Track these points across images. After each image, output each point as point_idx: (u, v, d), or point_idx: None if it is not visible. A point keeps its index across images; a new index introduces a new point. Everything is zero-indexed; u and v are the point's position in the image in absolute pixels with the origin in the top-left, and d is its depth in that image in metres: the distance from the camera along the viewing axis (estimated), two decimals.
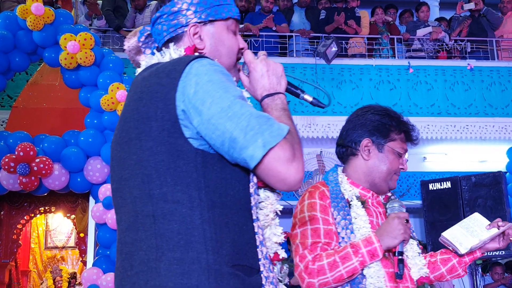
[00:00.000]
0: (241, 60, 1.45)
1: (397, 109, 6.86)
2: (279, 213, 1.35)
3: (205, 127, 1.18)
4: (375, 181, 1.96)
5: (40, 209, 6.50)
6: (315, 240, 1.80)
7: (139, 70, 1.41)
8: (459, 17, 7.79)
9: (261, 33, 6.96)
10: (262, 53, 1.43)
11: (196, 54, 1.31)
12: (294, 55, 7.05)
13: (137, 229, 1.21)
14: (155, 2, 7.14)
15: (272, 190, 1.33)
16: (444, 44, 7.39)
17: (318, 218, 1.83)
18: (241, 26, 6.88)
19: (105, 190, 4.79)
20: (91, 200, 5.26)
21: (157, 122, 1.21)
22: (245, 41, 6.64)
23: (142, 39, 1.45)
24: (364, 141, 1.95)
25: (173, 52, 1.35)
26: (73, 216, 6.62)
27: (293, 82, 1.47)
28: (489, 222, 2.03)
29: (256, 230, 1.26)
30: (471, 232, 2.03)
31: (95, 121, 5.03)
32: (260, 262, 1.24)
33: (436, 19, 7.97)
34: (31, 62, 5.28)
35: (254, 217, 1.27)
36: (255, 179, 1.27)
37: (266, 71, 1.37)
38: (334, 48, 6.54)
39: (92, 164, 4.92)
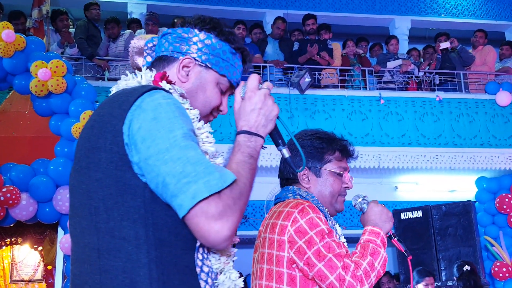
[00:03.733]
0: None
1: (369, 139, 7.03)
2: (233, 257, 1.28)
3: (142, 166, 1.14)
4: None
5: (6, 240, 6.31)
6: (344, 249, 1.74)
7: (113, 90, 1.38)
8: (428, 51, 8.04)
9: None
10: (266, 85, 1.35)
11: (151, 85, 1.26)
12: None
13: (83, 261, 1.17)
14: (129, 31, 7.15)
15: None
16: (413, 76, 7.58)
17: (332, 231, 1.77)
18: None
19: None
20: (60, 231, 5.13)
21: (106, 153, 1.17)
22: None
23: (150, 45, 1.45)
24: None
25: (144, 76, 1.32)
26: (40, 247, 6.44)
27: (281, 130, 1.40)
28: None
29: (204, 277, 1.20)
30: None
31: (66, 150, 4.94)
32: None
33: (408, 51, 8.18)
34: (0, 89, 5.19)
35: (201, 261, 1.21)
36: None
37: (259, 108, 1.31)
38: (307, 79, 6.64)
39: (62, 193, 4.81)
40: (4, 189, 4.57)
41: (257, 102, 1.31)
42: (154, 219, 1.15)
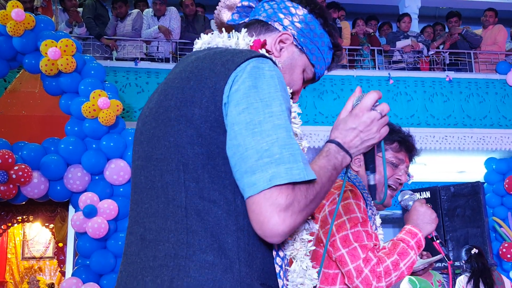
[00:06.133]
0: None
1: None
2: (310, 245, 1.23)
3: (227, 129, 1.08)
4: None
5: (18, 218, 6.40)
6: (372, 242, 1.72)
7: (196, 45, 1.30)
8: (437, 28, 7.96)
9: None
10: (380, 109, 1.23)
11: (260, 53, 1.17)
12: None
13: (166, 217, 1.10)
14: (137, 10, 7.12)
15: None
16: (423, 56, 7.51)
17: (367, 220, 1.76)
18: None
19: (86, 199, 4.73)
20: (71, 209, 5.19)
21: (201, 110, 1.09)
22: None
23: (245, 3, 1.37)
24: None
25: (242, 39, 1.24)
26: (51, 225, 6.53)
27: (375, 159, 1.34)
28: None
29: (279, 262, 1.17)
30: None
31: (76, 129, 4.98)
32: None
33: (422, 29, 8.09)
34: (10, 68, 5.21)
35: (277, 245, 1.17)
36: None
37: (360, 131, 1.22)
38: None
39: (73, 172, 4.86)
40: (16, 167, 4.62)
41: (360, 124, 1.22)
42: None
